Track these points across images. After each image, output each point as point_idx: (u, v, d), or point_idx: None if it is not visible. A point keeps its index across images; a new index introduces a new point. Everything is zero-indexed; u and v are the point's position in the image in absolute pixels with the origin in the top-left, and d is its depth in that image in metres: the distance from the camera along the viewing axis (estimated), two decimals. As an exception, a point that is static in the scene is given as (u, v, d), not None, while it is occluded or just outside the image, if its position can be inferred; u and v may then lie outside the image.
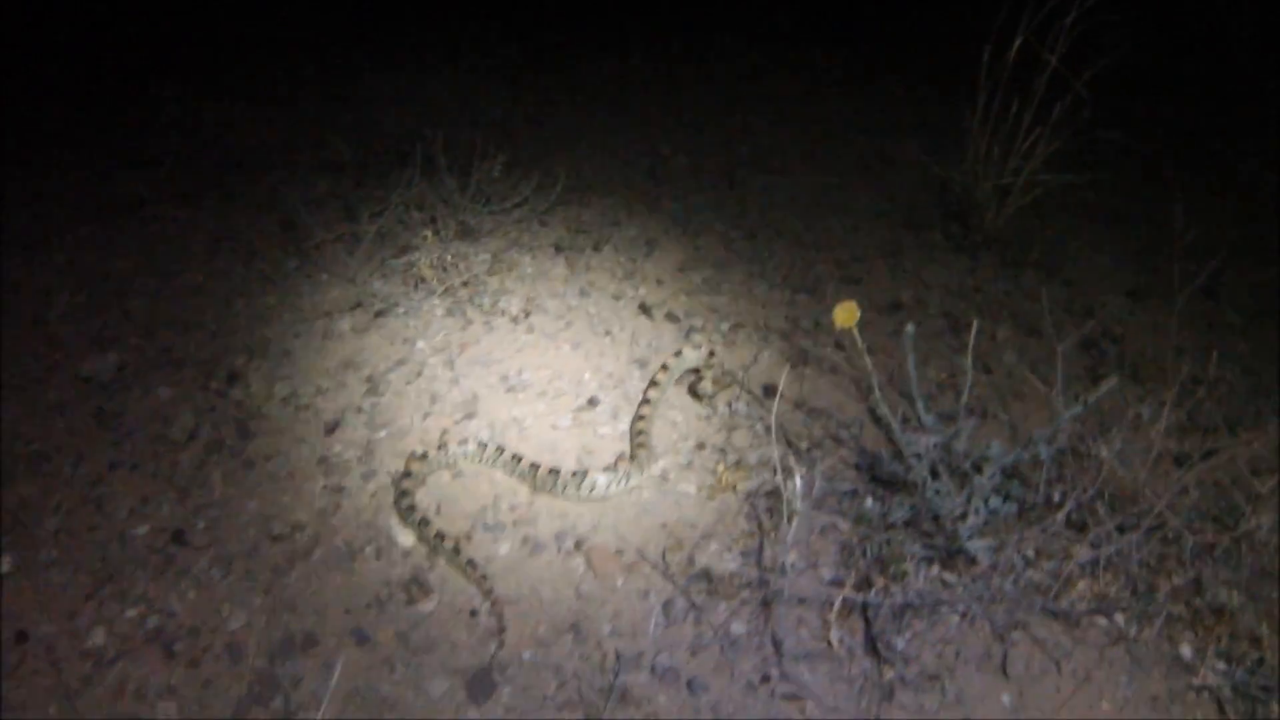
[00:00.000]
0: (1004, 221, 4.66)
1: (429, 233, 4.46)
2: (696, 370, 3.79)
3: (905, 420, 3.51)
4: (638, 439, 3.44)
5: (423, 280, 4.28)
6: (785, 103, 6.48)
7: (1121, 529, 2.95)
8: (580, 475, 3.29)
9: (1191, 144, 5.94)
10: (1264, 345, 4.23)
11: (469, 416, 3.63)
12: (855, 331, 2.84)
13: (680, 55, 7.29)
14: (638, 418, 3.54)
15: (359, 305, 4.20)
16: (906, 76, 6.77)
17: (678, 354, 3.78)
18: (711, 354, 3.79)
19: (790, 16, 7.94)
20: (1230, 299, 4.54)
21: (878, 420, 3.56)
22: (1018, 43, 4.12)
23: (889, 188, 5.33)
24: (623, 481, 3.32)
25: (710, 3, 8.02)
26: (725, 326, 4.10)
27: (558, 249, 4.54)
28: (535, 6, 7.85)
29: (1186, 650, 2.86)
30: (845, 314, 3.02)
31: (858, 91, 6.70)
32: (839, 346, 3.99)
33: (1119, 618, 2.90)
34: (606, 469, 3.34)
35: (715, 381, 3.72)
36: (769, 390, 3.74)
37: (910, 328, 3.04)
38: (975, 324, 3.22)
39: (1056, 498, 3.03)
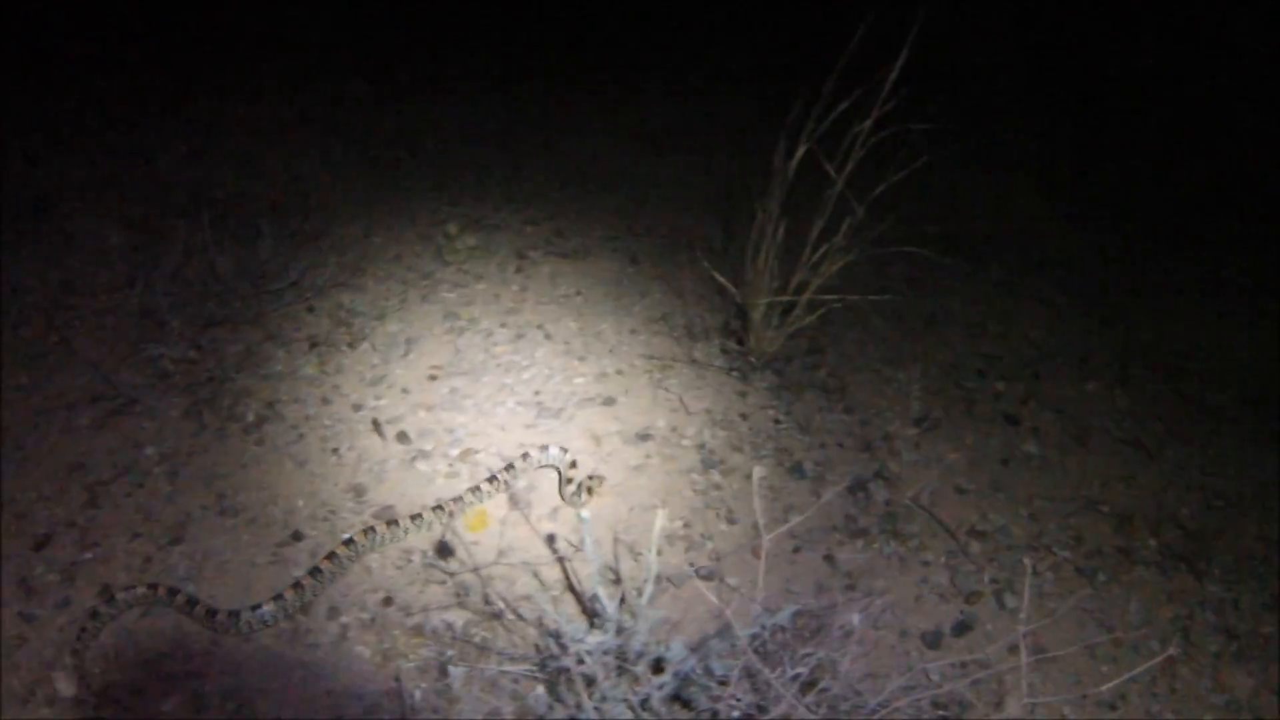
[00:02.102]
0: (785, 341, 4.36)
1: (176, 322, 4.19)
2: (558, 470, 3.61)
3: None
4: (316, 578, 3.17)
5: (166, 374, 3.95)
6: (598, 170, 6.10)
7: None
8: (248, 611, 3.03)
9: (994, 256, 5.71)
10: (1064, 478, 4.06)
11: (175, 542, 3.38)
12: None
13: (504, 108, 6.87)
14: (329, 555, 3.25)
15: (100, 398, 3.93)
16: (707, 172, 6.40)
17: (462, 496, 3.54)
18: (574, 464, 3.61)
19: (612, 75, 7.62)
20: (1034, 425, 4.32)
21: (577, 596, 3.26)
22: (800, 152, 3.77)
23: (680, 287, 5.01)
24: (284, 614, 3.09)
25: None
26: (454, 453, 3.77)
27: (312, 344, 4.26)
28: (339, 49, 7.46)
29: None
30: (477, 520, 2.98)
31: (673, 171, 6.32)
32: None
33: None
34: (274, 598, 3.08)
35: (586, 487, 3.53)
36: (445, 549, 3.43)
37: (585, 515, 2.78)
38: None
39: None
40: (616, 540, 3.45)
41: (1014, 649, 3.22)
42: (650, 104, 7.30)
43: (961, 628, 3.33)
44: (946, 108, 3.77)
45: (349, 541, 3.29)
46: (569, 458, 3.57)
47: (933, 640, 3.25)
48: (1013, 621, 3.34)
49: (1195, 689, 3.25)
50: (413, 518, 3.40)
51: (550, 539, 3.44)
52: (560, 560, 3.35)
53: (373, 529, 3.33)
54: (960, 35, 7.50)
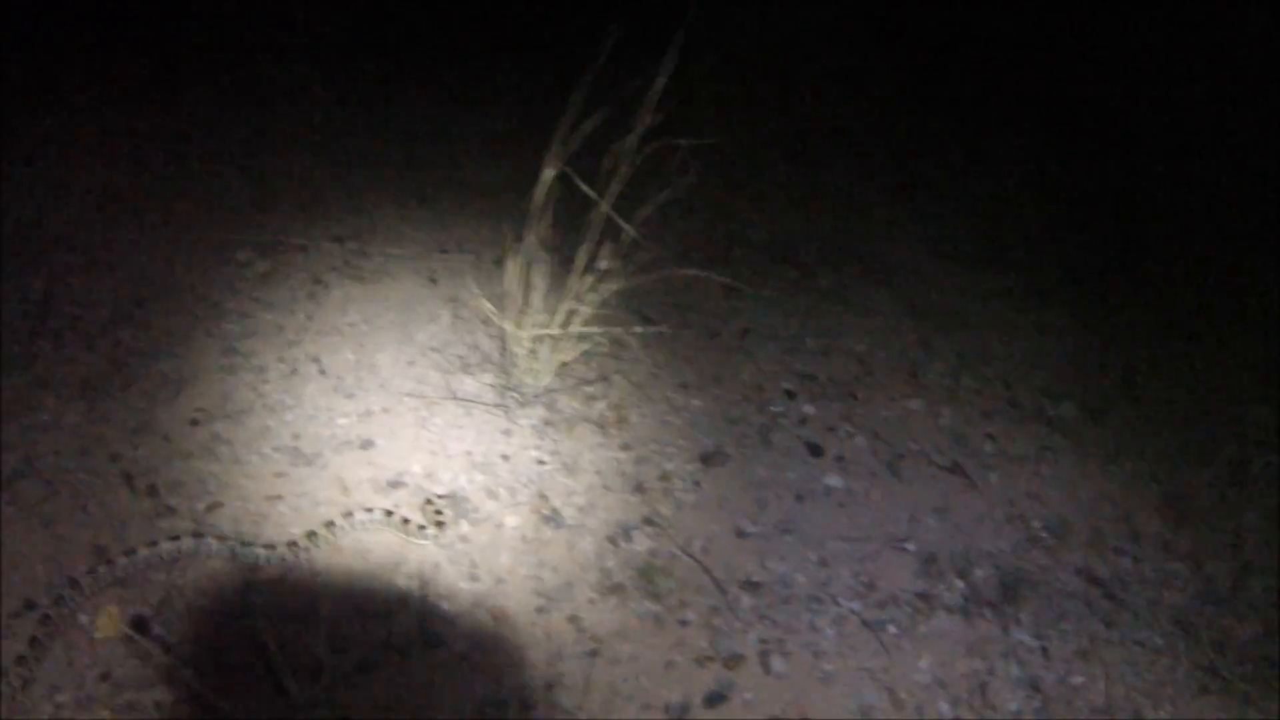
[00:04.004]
0: (561, 376, 4.05)
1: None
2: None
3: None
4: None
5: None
6: (425, 177, 5.91)
7: None
8: None
9: (825, 264, 5.41)
10: (866, 514, 3.78)
11: None
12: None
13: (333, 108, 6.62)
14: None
15: None
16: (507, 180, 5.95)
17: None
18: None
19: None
20: (841, 453, 4.05)
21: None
22: (550, 175, 3.45)
23: (469, 312, 4.68)
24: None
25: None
26: (200, 507, 3.52)
27: (84, 388, 3.97)
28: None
29: None
30: (107, 623, 2.82)
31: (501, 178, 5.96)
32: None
33: None
34: None
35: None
36: (139, 621, 3.12)
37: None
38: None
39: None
40: (345, 604, 3.20)
41: (772, 721, 2.83)
42: (488, 103, 6.91)
43: (715, 698, 3.04)
44: (726, 115, 3.42)
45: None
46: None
47: (679, 712, 2.94)
48: (779, 688, 3.02)
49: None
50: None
51: (258, 607, 3.17)
52: (276, 629, 3.05)
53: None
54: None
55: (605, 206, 3.49)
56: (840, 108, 7.57)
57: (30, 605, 3.13)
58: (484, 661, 3.03)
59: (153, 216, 5.20)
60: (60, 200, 5.21)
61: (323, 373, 4.16)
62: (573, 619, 3.19)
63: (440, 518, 3.40)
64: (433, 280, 4.80)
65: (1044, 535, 3.72)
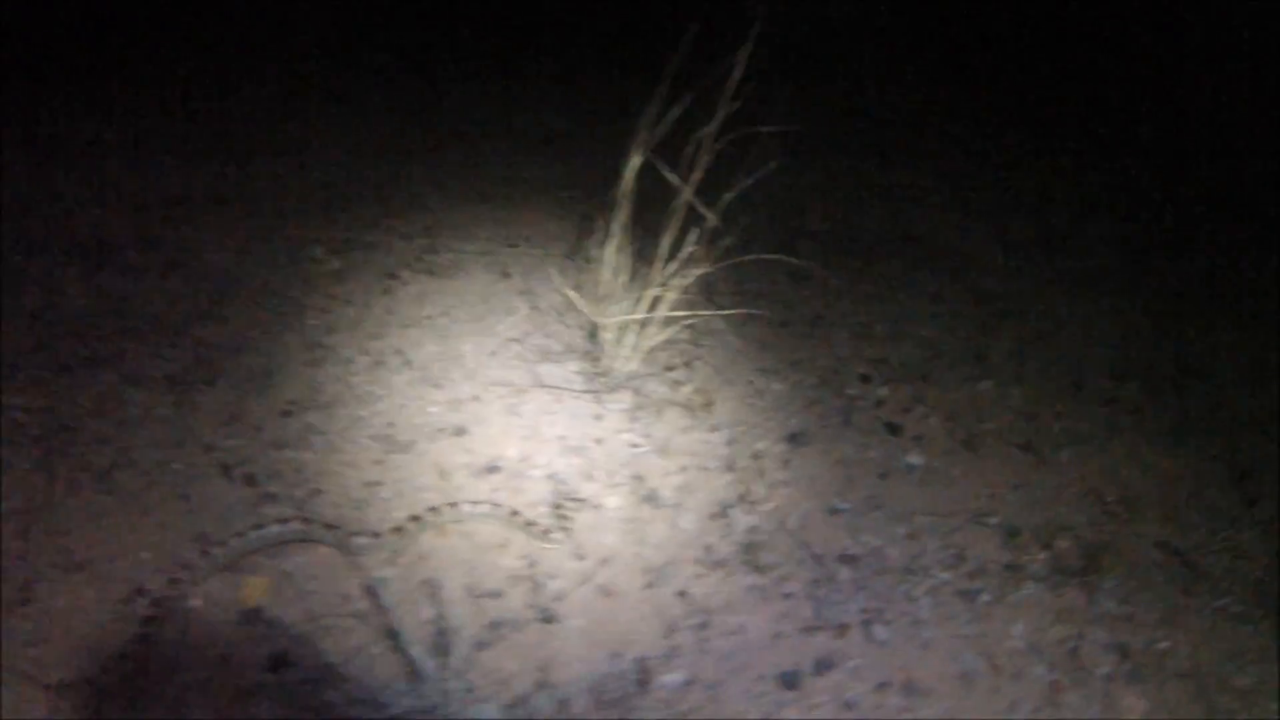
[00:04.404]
0: (646, 358, 4.12)
1: (31, 367, 4.03)
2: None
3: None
4: None
5: (19, 425, 3.77)
6: (482, 175, 5.91)
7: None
8: None
9: (887, 253, 5.56)
10: (948, 490, 3.89)
11: (24, 603, 3.13)
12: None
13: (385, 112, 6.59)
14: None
15: None
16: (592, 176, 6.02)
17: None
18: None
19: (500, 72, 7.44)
20: (918, 433, 4.13)
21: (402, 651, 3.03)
22: (636, 163, 3.53)
23: (545, 303, 4.79)
24: None
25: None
26: (299, 494, 3.56)
27: (171, 383, 4.02)
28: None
29: None
30: (252, 591, 2.87)
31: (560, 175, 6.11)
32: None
33: None
34: None
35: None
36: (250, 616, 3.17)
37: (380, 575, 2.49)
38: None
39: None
40: (457, 585, 3.27)
41: (882, 686, 3.05)
42: (541, 101, 7.00)
43: (824, 665, 3.12)
44: (817, 105, 3.52)
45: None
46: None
47: (791, 680, 3.01)
48: (882, 655, 3.10)
49: (1084, 715, 3.05)
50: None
51: (370, 589, 3.22)
52: (392, 610, 3.14)
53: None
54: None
55: (689, 193, 3.56)
56: (898, 98, 7.68)
57: (140, 591, 3.19)
58: (600, 635, 3.10)
59: (222, 217, 5.30)
60: (131, 202, 5.32)
61: (408, 364, 4.23)
62: (681, 593, 3.27)
63: (567, 522, 3.45)
64: (505, 274, 4.90)
65: (1118, 509, 3.80)
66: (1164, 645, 3.33)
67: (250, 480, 3.65)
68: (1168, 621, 3.40)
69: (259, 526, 3.38)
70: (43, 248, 4.78)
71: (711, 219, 3.57)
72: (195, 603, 3.18)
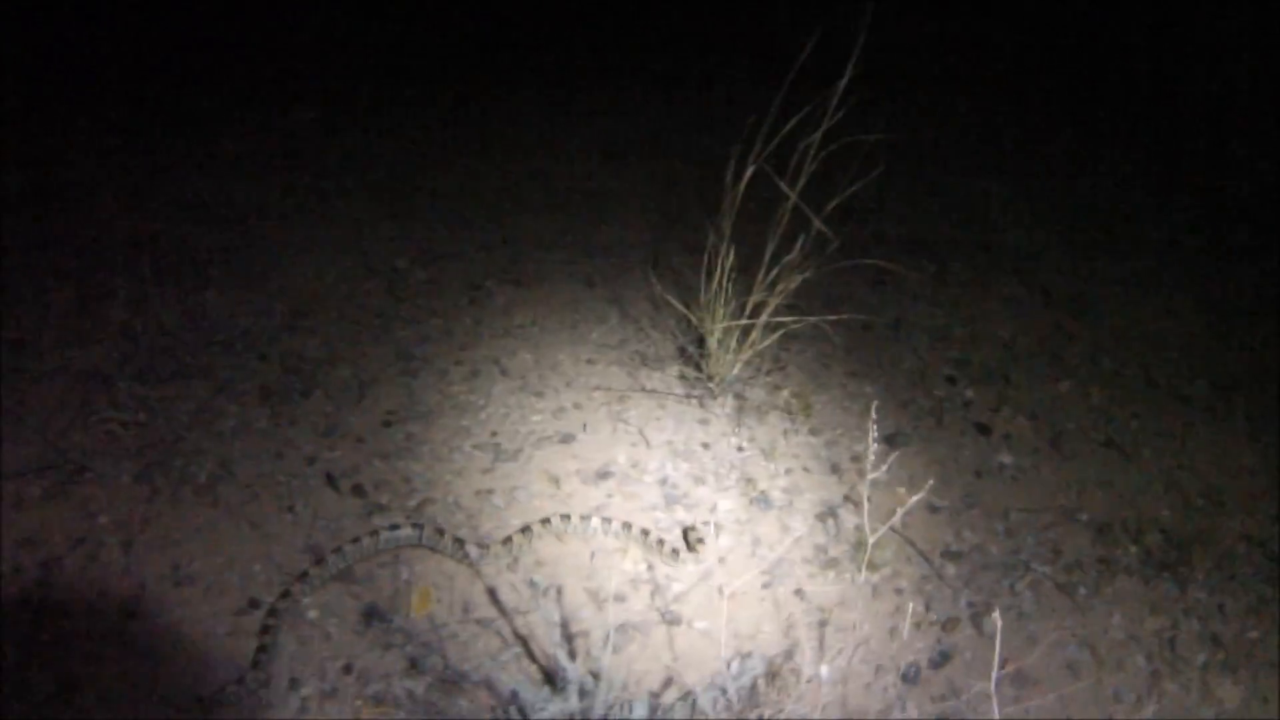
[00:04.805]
0: (744, 364, 4.21)
1: (124, 381, 4.12)
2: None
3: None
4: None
5: (116, 438, 3.82)
6: (554, 186, 5.99)
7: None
8: None
9: (957, 257, 5.67)
10: (1039, 488, 4.00)
11: (130, 617, 3.19)
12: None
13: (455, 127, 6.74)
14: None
15: (50, 467, 3.76)
16: (666, 185, 6.30)
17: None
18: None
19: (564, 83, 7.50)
20: (1007, 432, 4.25)
21: (531, 656, 3.14)
22: (749, 172, 3.66)
23: (636, 311, 4.89)
24: None
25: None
26: (412, 504, 3.65)
27: (264, 395, 4.11)
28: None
29: None
30: (420, 601, 2.93)
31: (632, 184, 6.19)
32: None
33: None
34: None
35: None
36: (373, 611, 3.27)
37: (538, 579, 2.61)
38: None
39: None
40: (578, 590, 3.37)
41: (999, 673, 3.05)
42: (606, 112, 7.12)
43: (940, 659, 3.22)
44: (897, 115, 3.62)
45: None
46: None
47: (912, 674, 3.11)
48: (992, 647, 3.18)
49: (1183, 704, 3.14)
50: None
51: (493, 593, 3.33)
52: (517, 615, 3.24)
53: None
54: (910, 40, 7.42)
55: (794, 198, 3.69)
56: (975, 108, 7.82)
57: (254, 603, 3.26)
58: (723, 635, 3.17)
59: (299, 233, 5.40)
60: (208, 219, 5.43)
61: (504, 373, 4.33)
62: (798, 591, 3.38)
63: (701, 545, 3.52)
64: (590, 283, 5.00)
65: (1201, 503, 3.92)
66: (1254, 635, 3.43)
67: (358, 491, 3.72)
68: (1255, 611, 3.50)
69: (374, 532, 3.47)
70: (127, 263, 4.86)
71: (819, 225, 3.64)
72: (312, 613, 3.24)
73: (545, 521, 3.48)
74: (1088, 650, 3.25)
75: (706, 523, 3.59)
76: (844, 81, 3.57)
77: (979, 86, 8.18)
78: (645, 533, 3.48)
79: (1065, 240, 5.87)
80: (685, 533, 3.57)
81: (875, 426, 2.85)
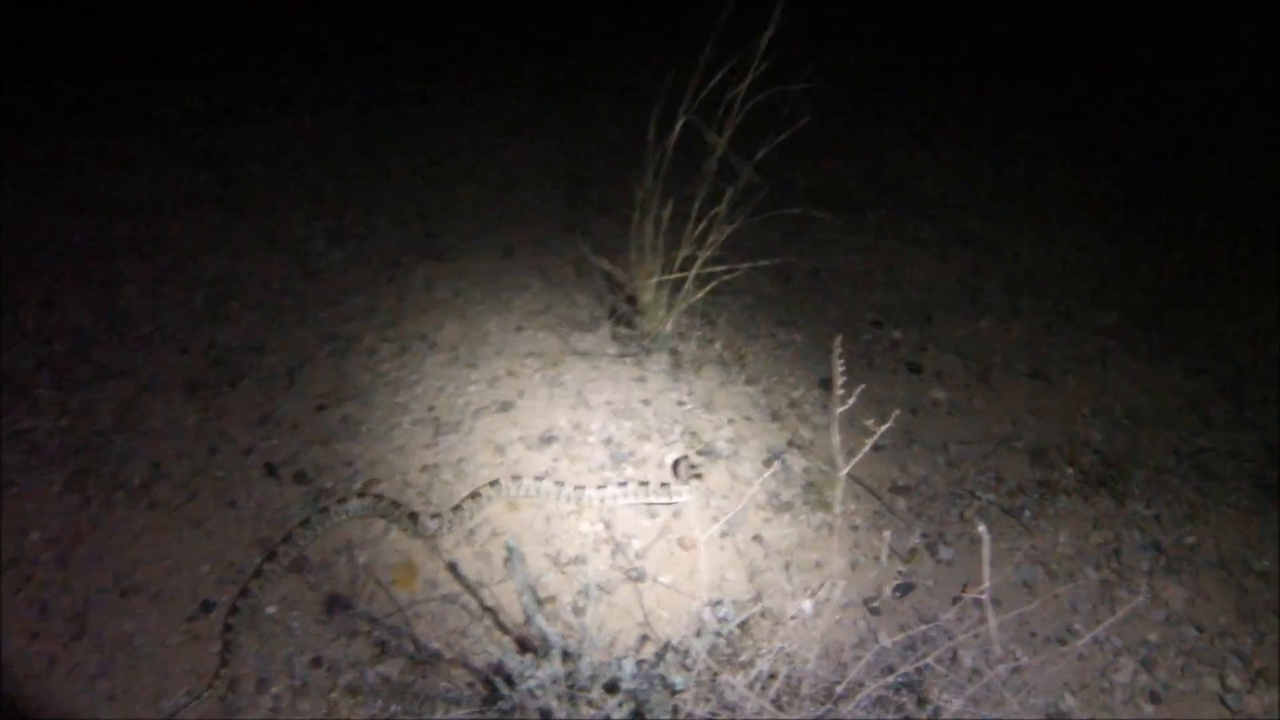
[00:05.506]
0: (676, 320, 4.22)
1: (41, 387, 3.93)
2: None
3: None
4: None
5: (39, 447, 3.66)
6: (461, 160, 5.94)
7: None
8: None
9: (871, 204, 5.78)
10: (974, 420, 4.10)
11: (78, 636, 3.04)
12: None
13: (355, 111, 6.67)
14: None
15: None
16: (572, 151, 6.27)
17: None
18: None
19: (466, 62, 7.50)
20: (937, 369, 4.36)
21: (503, 627, 3.09)
22: (679, 125, 3.65)
23: (558, 276, 4.85)
24: None
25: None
26: (356, 486, 3.56)
27: (191, 389, 3.98)
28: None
29: None
30: (406, 575, 2.88)
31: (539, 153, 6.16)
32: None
33: None
34: None
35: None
36: (335, 600, 3.19)
37: (511, 541, 2.59)
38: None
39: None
40: (538, 556, 3.34)
41: (957, 600, 3.21)
42: (517, 86, 7.06)
43: (904, 588, 3.30)
44: (821, 69, 3.65)
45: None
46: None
47: (877, 605, 3.19)
48: (950, 573, 3.27)
49: (1135, 609, 3.23)
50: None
51: (453, 566, 3.28)
52: (482, 588, 3.19)
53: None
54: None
55: (723, 146, 3.70)
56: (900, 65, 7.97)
57: (207, 605, 3.16)
58: (688, 585, 3.20)
59: (209, 222, 5.26)
60: (112, 213, 5.22)
61: (433, 347, 4.27)
62: (756, 537, 3.41)
63: (697, 470, 3.55)
64: (509, 253, 4.95)
65: (1127, 423, 4.06)
66: (1191, 540, 3.57)
67: (300, 477, 3.63)
68: (1191, 519, 3.66)
69: (323, 510, 3.41)
70: (31, 264, 4.67)
71: (753, 176, 3.66)
72: (271, 609, 3.17)
73: (494, 484, 3.46)
74: (1040, 567, 3.31)
75: (702, 452, 3.65)
76: (768, 33, 3.57)
77: (890, 44, 8.26)
78: (643, 484, 3.49)
79: (978, 188, 5.99)
80: (675, 465, 3.59)
81: (836, 369, 2.79)
